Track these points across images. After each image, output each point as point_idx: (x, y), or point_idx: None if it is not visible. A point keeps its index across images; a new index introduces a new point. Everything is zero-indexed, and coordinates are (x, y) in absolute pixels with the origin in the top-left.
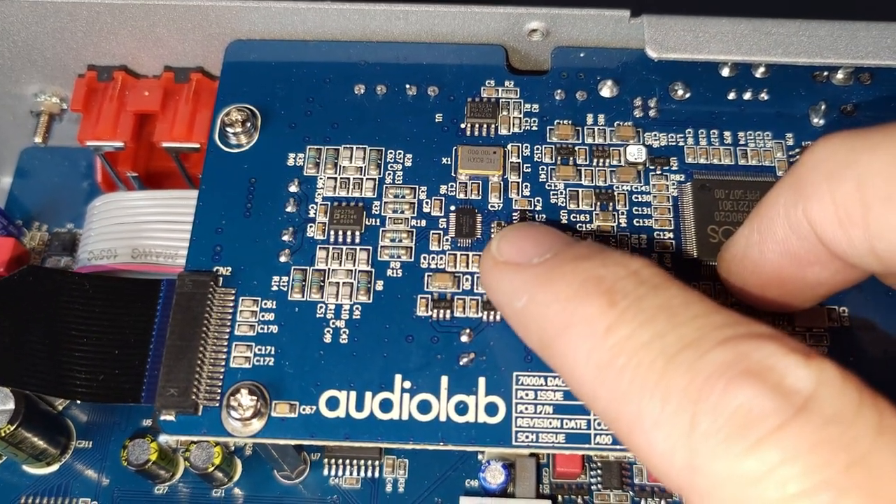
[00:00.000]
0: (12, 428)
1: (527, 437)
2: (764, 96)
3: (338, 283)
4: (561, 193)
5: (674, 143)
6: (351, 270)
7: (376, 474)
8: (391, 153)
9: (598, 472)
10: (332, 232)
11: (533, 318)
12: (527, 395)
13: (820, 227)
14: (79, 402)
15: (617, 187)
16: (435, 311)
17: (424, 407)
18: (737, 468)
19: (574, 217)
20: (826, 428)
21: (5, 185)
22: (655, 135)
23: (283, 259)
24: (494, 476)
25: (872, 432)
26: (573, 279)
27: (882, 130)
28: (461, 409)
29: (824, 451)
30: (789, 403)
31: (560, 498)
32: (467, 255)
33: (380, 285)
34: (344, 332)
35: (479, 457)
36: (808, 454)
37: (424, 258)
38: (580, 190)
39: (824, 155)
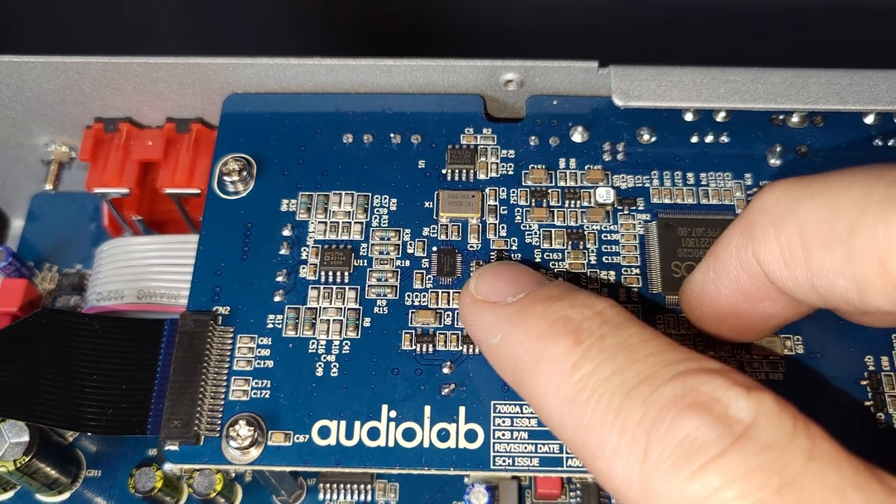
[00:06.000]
0: (27, 459)
1: (504, 461)
2: (724, 139)
3: (328, 320)
4: (535, 234)
5: (640, 185)
6: (340, 308)
7: (368, 498)
8: (377, 198)
9: (578, 493)
10: (322, 273)
11: (507, 354)
12: (504, 422)
13: (768, 267)
14: (89, 434)
15: (587, 227)
16: (418, 345)
17: (409, 434)
18: (684, 492)
19: (547, 256)
20: (762, 454)
21: (18, 230)
22: (623, 177)
23: (277, 299)
24: (479, 498)
25: (804, 457)
26: (543, 319)
27: (821, 180)
28: (443, 435)
29: (759, 476)
30: (730, 432)
31: None
32: (448, 293)
33: (367, 322)
34: (334, 365)
35: (465, 480)
36: (744, 478)
37: (409, 296)
38: (553, 230)
39: (770, 201)
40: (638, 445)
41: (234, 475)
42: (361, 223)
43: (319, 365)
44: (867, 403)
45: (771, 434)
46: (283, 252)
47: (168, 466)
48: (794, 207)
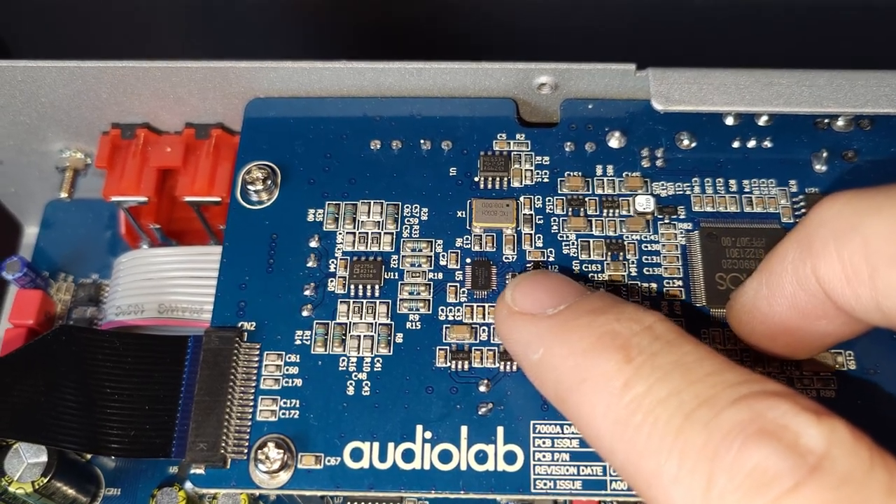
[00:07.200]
0: (45, 480)
1: (545, 484)
2: (767, 144)
3: (359, 336)
4: (573, 244)
5: (681, 192)
6: (371, 324)
7: None
8: (408, 207)
9: None
10: (352, 286)
11: (549, 370)
12: (544, 443)
13: (828, 285)
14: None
15: (627, 237)
16: (453, 362)
17: (445, 456)
18: None
19: (586, 267)
20: (839, 488)
21: (31, 237)
22: (663, 184)
23: (305, 313)
24: None
25: (884, 492)
26: (589, 333)
27: (885, 192)
28: (481, 457)
29: None
30: (803, 462)
31: None
32: (483, 307)
33: (399, 338)
34: (366, 384)
35: (499, 499)
36: None
37: (442, 310)
38: (591, 240)
39: (830, 214)
40: (700, 474)
41: (258, 496)
42: (391, 234)
43: (350, 383)
44: None
45: (847, 466)
46: (310, 264)
47: (190, 486)
48: (858, 221)
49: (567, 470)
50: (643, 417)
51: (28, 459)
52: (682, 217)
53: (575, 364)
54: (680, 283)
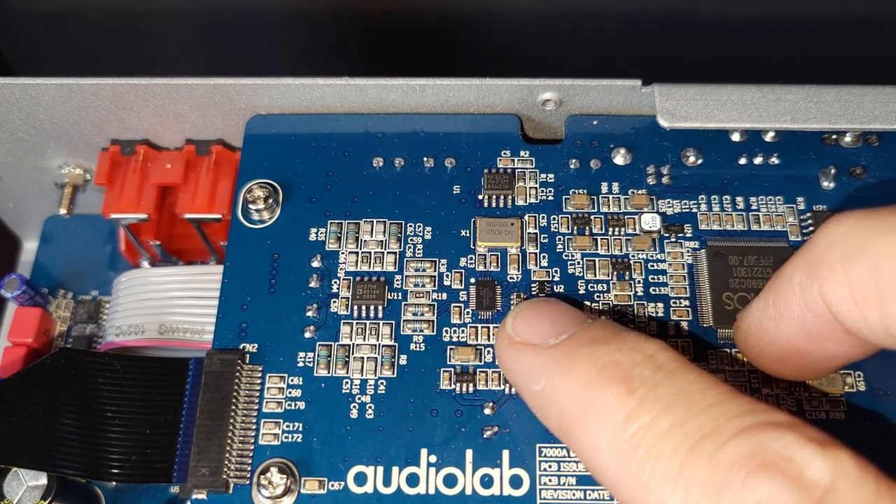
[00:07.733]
0: (45, 503)
1: None
2: (774, 160)
3: (362, 357)
4: (578, 263)
5: (687, 210)
6: (375, 345)
7: None
8: (411, 226)
9: None
10: (355, 307)
11: (551, 402)
12: (550, 466)
13: (836, 308)
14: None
15: (633, 256)
16: (458, 384)
17: (450, 481)
18: None
19: (592, 287)
20: None
21: (30, 253)
22: (669, 202)
23: (307, 335)
24: None
25: None
26: (590, 364)
27: (894, 212)
28: (486, 481)
29: None
30: (808, 497)
31: None
32: (488, 328)
33: (403, 359)
34: (370, 407)
35: None
36: None
37: (446, 331)
38: (597, 259)
39: (838, 235)
40: None
41: None
42: (395, 253)
43: (354, 406)
44: None
45: (853, 499)
46: (312, 285)
47: None
48: (866, 243)
49: (573, 494)
50: (646, 451)
51: (28, 482)
52: (688, 235)
53: (577, 396)
54: (687, 302)
